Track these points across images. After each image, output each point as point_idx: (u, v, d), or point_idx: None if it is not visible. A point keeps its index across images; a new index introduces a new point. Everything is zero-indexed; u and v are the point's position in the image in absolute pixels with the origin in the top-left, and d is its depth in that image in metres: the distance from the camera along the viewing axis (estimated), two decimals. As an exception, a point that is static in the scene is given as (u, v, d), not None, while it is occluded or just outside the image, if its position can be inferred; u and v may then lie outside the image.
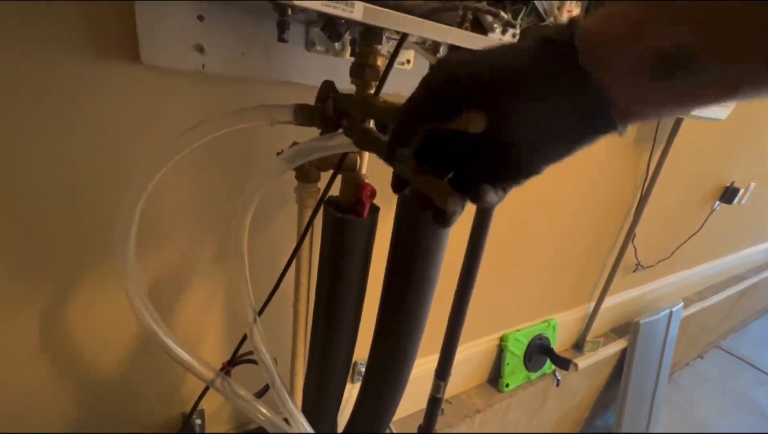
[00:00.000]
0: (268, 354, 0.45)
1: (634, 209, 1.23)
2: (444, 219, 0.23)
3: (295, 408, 0.47)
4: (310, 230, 0.51)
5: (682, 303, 1.73)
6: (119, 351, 0.56)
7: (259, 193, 0.39)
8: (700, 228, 1.61)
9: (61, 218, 0.45)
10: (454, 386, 1.11)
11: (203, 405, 0.69)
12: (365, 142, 0.32)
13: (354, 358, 0.84)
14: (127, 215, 0.35)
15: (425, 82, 0.23)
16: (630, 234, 1.26)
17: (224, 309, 0.62)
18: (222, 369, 0.53)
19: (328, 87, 0.37)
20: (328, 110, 0.37)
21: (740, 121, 1.37)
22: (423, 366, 0.95)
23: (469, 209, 0.61)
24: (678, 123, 1.09)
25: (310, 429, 0.50)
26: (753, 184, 1.76)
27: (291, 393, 0.61)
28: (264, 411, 0.47)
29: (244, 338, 0.46)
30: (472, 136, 0.23)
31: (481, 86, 0.21)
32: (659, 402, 1.80)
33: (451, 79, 0.22)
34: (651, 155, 1.13)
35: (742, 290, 2.26)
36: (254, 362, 0.46)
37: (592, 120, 0.20)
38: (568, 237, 1.12)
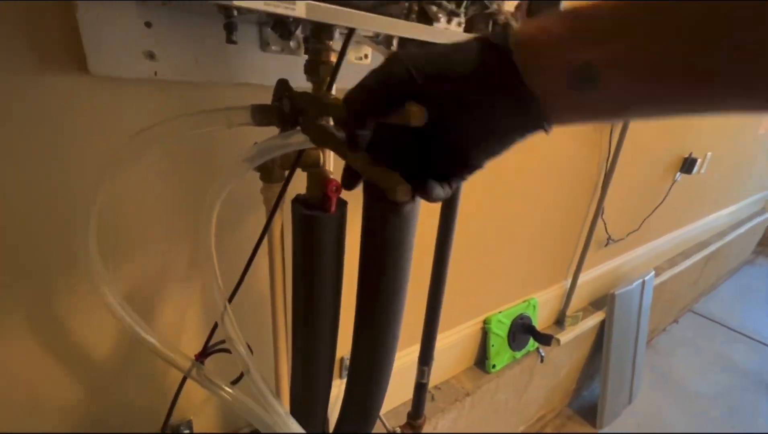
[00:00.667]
0: (241, 341, 0.45)
1: (600, 186, 1.28)
2: (395, 208, 0.24)
3: (269, 392, 0.48)
4: (280, 228, 0.52)
5: (653, 272, 1.81)
6: (101, 364, 0.55)
7: (223, 194, 0.39)
8: (664, 199, 1.69)
9: (10, 236, 0.43)
10: (442, 372, 1.14)
11: (191, 415, 0.69)
12: (321, 138, 0.33)
13: (341, 354, 0.85)
14: (84, 213, 0.35)
15: (374, 71, 0.24)
16: (598, 210, 1.31)
17: (201, 314, 0.62)
18: (196, 359, 0.53)
19: (282, 85, 0.37)
20: (285, 108, 0.37)
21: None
22: (409, 356, 0.97)
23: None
24: (634, 100, 1.14)
25: (285, 413, 0.51)
26: (710, 154, 1.86)
27: (277, 393, 0.61)
28: (240, 397, 0.48)
29: (215, 327, 0.46)
30: (418, 132, 0.24)
31: (423, 80, 0.22)
32: (640, 367, 1.88)
33: (397, 71, 0.23)
34: (611, 133, 1.18)
35: (709, 255, 2.38)
36: (227, 351, 0.46)
37: (524, 117, 0.22)
38: (540, 219, 1.16)
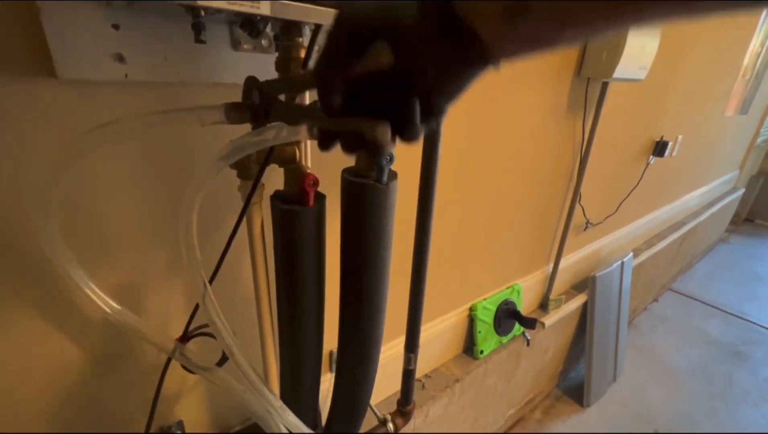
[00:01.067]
0: (225, 324, 0.46)
1: (576, 171, 1.32)
2: (377, 147, 0.25)
3: (254, 373, 0.49)
4: (260, 225, 0.52)
5: (631, 254, 1.87)
6: (86, 368, 0.55)
7: (201, 191, 0.40)
8: (638, 183, 1.75)
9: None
10: (432, 360, 1.16)
11: (182, 416, 0.69)
12: (293, 116, 0.33)
13: (330, 348, 0.86)
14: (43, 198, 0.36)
15: (334, 25, 0.25)
16: (576, 196, 1.35)
17: (183, 312, 0.62)
18: (178, 341, 0.53)
19: (251, 82, 0.38)
20: (254, 100, 0.38)
21: (660, 80, 1.50)
22: (397, 347, 0.99)
23: (411, 187, 0.64)
24: (604, 87, 1.18)
25: (273, 396, 0.52)
26: (680, 137, 1.92)
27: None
28: (227, 378, 0.49)
29: (197, 308, 0.47)
30: (385, 83, 0.26)
31: (381, 23, 0.24)
32: (623, 346, 1.95)
33: (355, 19, 0.24)
34: (584, 119, 1.22)
35: (684, 234, 2.47)
36: (211, 335, 0.47)
37: (472, 56, 0.23)
38: (520, 206, 1.19)
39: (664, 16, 0.19)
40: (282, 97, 0.39)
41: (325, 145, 0.29)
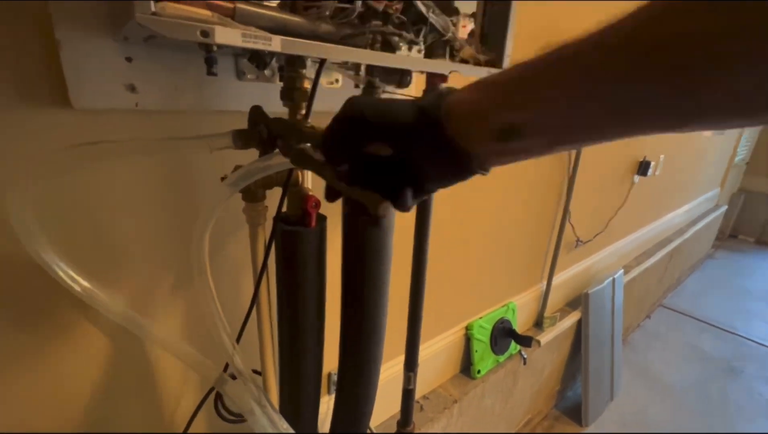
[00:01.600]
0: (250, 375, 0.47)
1: (565, 191, 1.36)
2: (376, 221, 0.28)
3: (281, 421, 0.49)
4: (264, 247, 0.54)
5: (622, 270, 1.91)
6: (98, 388, 0.54)
7: (213, 218, 0.41)
8: (625, 201, 1.80)
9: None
10: (429, 381, 1.15)
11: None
12: (301, 161, 0.36)
13: (328, 370, 0.86)
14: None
15: (338, 117, 0.28)
16: (565, 214, 1.39)
17: (192, 338, 0.62)
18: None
19: (255, 112, 0.40)
20: (262, 133, 0.40)
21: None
22: (394, 368, 0.98)
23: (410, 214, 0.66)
24: (588, 110, 1.24)
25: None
26: (662, 157, 2.00)
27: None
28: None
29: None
30: (386, 162, 0.29)
31: (381, 126, 0.27)
32: (618, 364, 1.95)
33: (359, 117, 0.27)
34: (570, 141, 1.27)
35: (671, 251, 2.53)
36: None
37: (462, 166, 0.26)
38: (513, 226, 1.22)
39: (647, 132, 0.21)
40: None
41: (331, 198, 0.32)
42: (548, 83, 0.21)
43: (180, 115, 0.51)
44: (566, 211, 1.38)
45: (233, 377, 0.51)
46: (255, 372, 0.58)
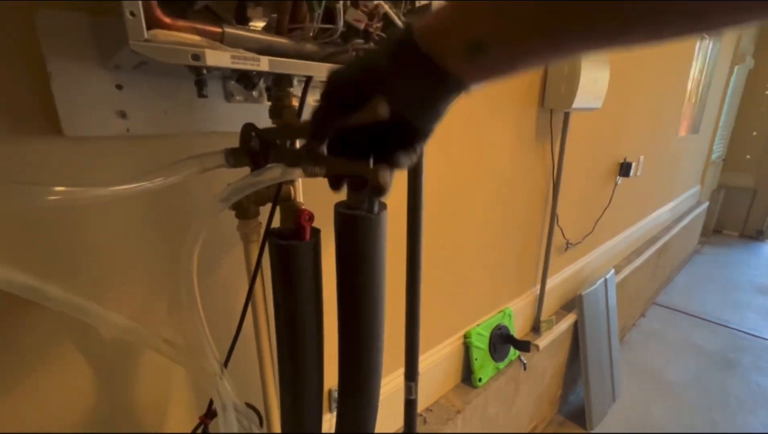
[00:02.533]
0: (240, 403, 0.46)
1: (551, 195, 1.39)
2: (380, 190, 0.29)
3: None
4: (259, 265, 0.54)
5: (613, 271, 1.93)
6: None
7: (202, 235, 0.42)
8: (610, 202, 1.85)
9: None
10: (431, 393, 1.14)
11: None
12: (296, 159, 0.37)
13: (328, 386, 0.85)
14: None
15: (323, 92, 0.30)
16: (553, 218, 1.41)
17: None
18: (200, 423, 0.53)
19: (248, 128, 0.41)
20: (254, 147, 0.41)
21: (617, 107, 1.63)
22: (396, 381, 0.98)
23: (400, 221, 0.67)
24: (566, 117, 1.28)
25: None
26: (642, 157, 2.06)
27: (268, 428, 0.61)
28: None
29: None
30: (379, 128, 0.29)
31: (367, 80, 0.28)
32: (617, 364, 1.96)
33: (345, 80, 0.29)
34: (552, 146, 1.31)
35: (659, 248, 2.58)
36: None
37: (445, 86, 0.27)
38: (503, 233, 1.24)
39: (602, 47, 0.23)
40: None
41: (336, 186, 0.33)
42: None
43: (171, 138, 0.52)
44: (554, 214, 1.41)
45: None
46: (248, 406, 0.58)
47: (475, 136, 1.01)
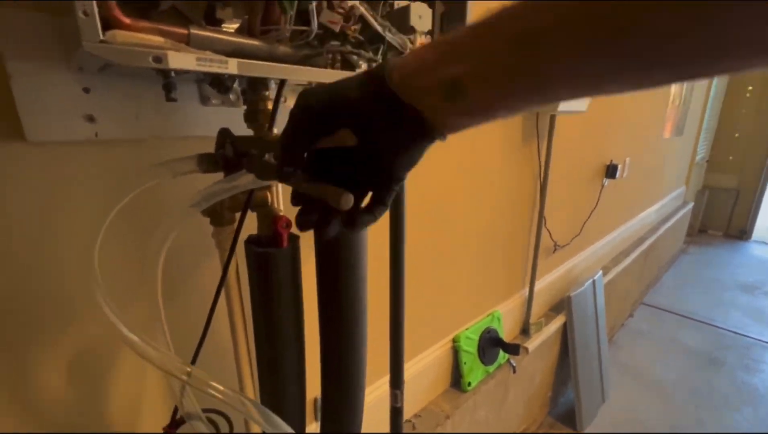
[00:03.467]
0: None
1: (538, 197, 1.40)
2: (337, 213, 0.27)
3: None
4: (236, 272, 0.53)
5: (601, 272, 1.95)
6: None
7: (168, 239, 0.40)
8: (597, 203, 1.86)
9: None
10: (420, 399, 1.13)
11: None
12: (265, 173, 0.36)
13: (313, 395, 0.83)
14: None
15: (291, 111, 0.28)
16: (540, 220, 1.42)
17: (159, 373, 0.59)
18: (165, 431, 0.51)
19: (224, 134, 0.40)
20: (228, 153, 0.40)
21: (602, 110, 1.65)
22: (381, 388, 0.96)
23: (383, 224, 0.66)
24: (552, 120, 1.29)
25: None
26: (628, 159, 2.09)
27: (248, 443, 0.59)
28: None
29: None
30: (347, 154, 0.28)
31: (331, 104, 0.27)
32: (606, 365, 1.97)
33: (309, 105, 0.27)
34: (539, 148, 1.31)
35: (646, 249, 2.61)
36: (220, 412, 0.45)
37: (416, 129, 0.26)
38: (491, 235, 1.24)
39: (581, 95, 0.22)
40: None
41: (296, 202, 0.32)
42: (486, 33, 0.21)
43: (142, 143, 0.50)
44: (541, 216, 1.41)
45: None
46: (216, 412, 0.56)
47: (460, 139, 1.00)
